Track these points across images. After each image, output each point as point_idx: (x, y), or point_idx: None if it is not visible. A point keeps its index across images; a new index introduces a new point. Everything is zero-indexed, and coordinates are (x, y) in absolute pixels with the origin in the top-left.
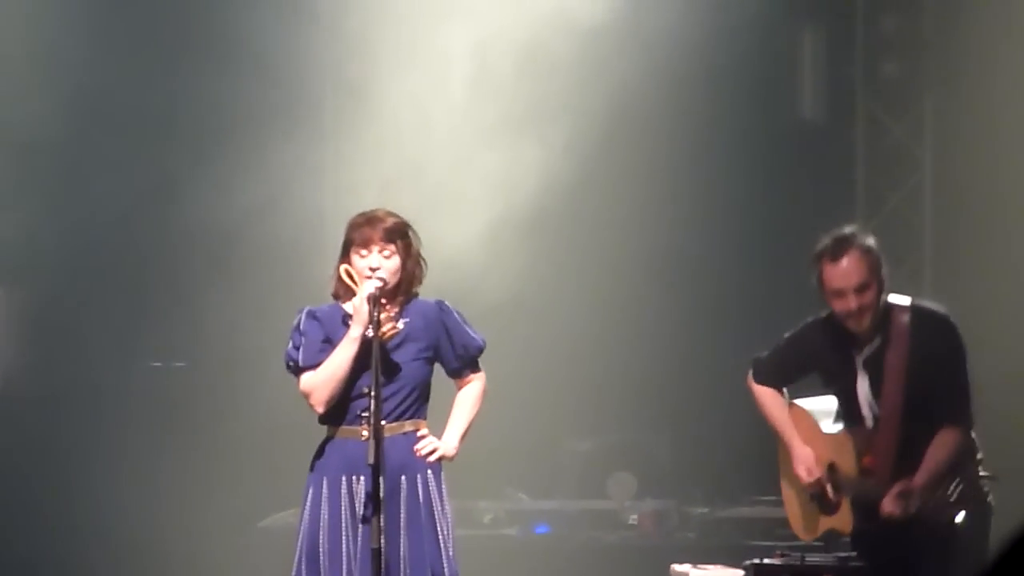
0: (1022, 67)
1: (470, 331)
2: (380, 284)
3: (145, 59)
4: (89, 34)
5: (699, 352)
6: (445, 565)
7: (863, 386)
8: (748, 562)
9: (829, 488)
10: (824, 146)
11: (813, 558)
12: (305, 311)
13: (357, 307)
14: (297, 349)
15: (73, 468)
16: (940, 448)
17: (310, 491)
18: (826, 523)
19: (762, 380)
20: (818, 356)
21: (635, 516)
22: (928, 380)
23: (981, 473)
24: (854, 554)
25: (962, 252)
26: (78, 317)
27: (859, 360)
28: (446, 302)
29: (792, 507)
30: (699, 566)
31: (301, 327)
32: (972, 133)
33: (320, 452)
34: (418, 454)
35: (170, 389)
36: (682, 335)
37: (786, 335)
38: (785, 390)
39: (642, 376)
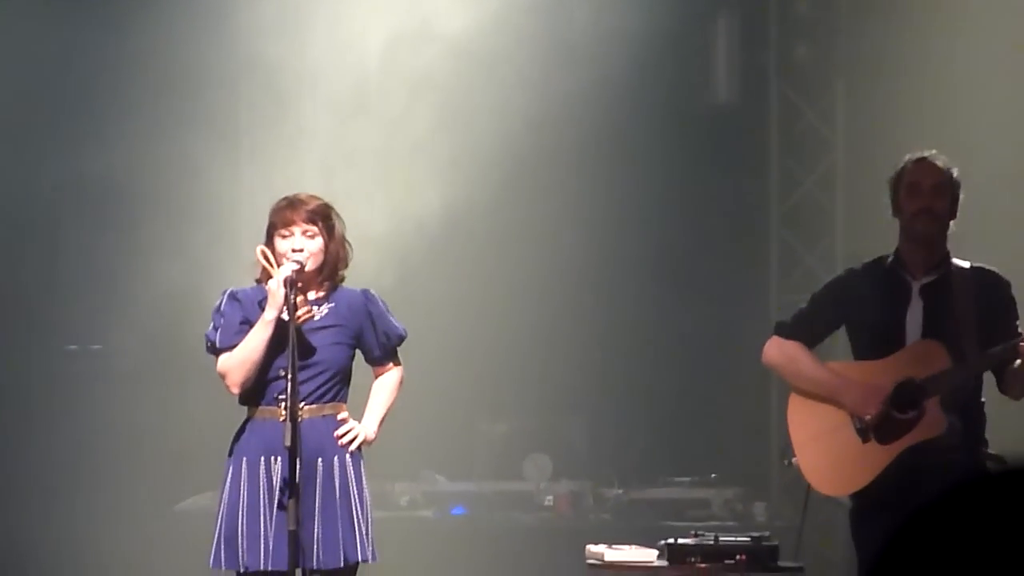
0: (932, 52)
1: (393, 320)
2: (296, 267)
3: (53, 29)
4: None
5: (613, 334)
6: (359, 548)
7: (915, 310)
8: (662, 542)
9: (894, 409)
10: (738, 129)
11: (727, 538)
12: (227, 292)
13: (272, 290)
14: (216, 330)
15: None
16: None
17: (229, 472)
18: (891, 449)
19: (790, 335)
20: (861, 291)
21: (551, 497)
22: (992, 320)
23: (988, 451)
24: (767, 533)
25: (873, 235)
26: None
27: (916, 285)
28: (372, 291)
29: (820, 460)
30: (614, 546)
31: (222, 308)
32: (884, 117)
33: (239, 434)
34: (339, 441)
35: (86, 372)
36: (596, 318)
37: (821, 287)
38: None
39: (556, 358)
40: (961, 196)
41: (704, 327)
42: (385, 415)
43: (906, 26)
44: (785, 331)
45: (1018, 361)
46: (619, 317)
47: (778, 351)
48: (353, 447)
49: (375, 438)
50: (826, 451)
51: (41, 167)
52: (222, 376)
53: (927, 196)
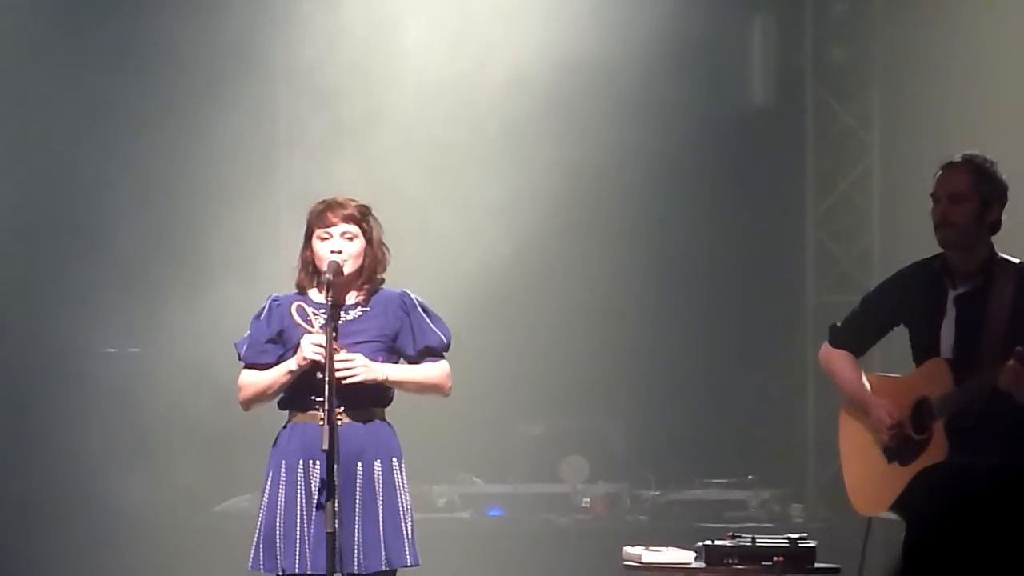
0: (968, 53)
1: (432, 325)
2: (335, 270)
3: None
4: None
5: (651, 336)
6: (407, 551)
7: (949, 321)
8: (700, 544)
9: (911, 429)
10: (775, 132)
11: (764, 539)
12: (268, 301)
13: (301, 348)
14: (245, 341)
15: (29, 453)
16: None
17: (269, 475)
18: (908, 470)
19: (840, 342)
20: (906, 295)
21: (587, 499)
22: None
23: None
24: (804, 535)
25: (910, 236)
26: (32, 303)
27: (952, 295)
28: (410, 294)
29: (855, 478)
30: (651, 548)
31: (260, 317)
32: (919, 118)
33: (279, 437)
34: (337, 374)
35: (125, 374)
36: (633, 321)
37: (873, 288)
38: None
39: (594, 361)
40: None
41: (742, 329)
42: (407, 379)
43: (942, 26)
44: (833, 337)
45: None
46: (657, 320)
47: (824, 359)
48: (348, 381)
49: (376, 377)
50: (861, 469)
51: (78, 169)
52: (238, 389)
53: (943, 207)
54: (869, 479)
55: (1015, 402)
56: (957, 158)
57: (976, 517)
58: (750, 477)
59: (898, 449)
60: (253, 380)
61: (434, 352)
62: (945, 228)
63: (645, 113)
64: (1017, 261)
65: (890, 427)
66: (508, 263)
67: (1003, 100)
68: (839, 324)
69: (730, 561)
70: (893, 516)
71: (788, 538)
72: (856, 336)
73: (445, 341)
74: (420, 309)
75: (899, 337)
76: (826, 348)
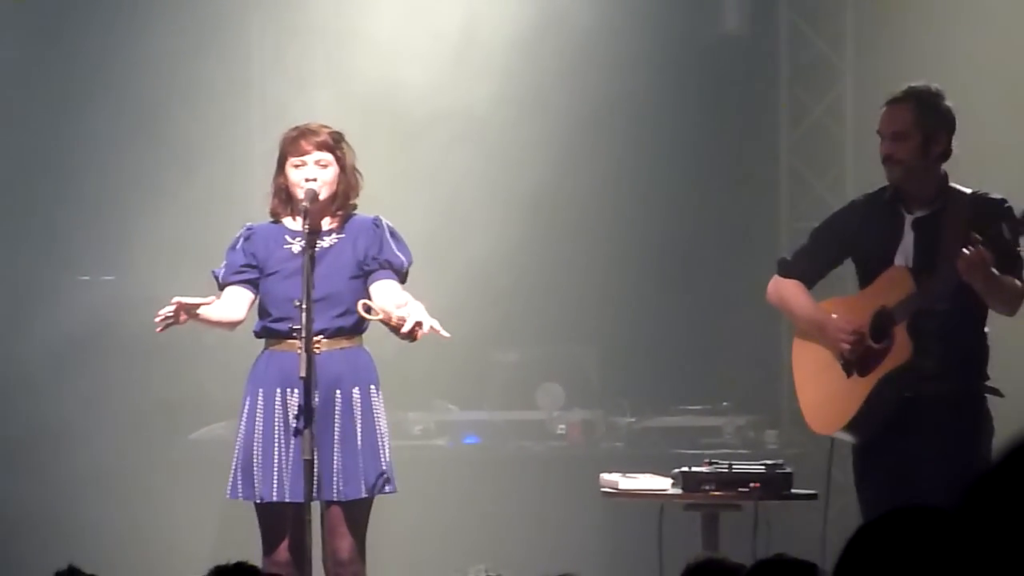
0: None
1: (395, 247)
2: (311, 197)
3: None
4: None
5: (625, 263)
6: (385, 479)
7: (906, 243)
8: (676, 470)
9: (870, 339)
10: (747, 59)
11: (740, 466)
12: (244, 231)
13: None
14: (222, 267)
15: (7, 391)
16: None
17: (246, 403)
18: (868, 381)
19: (790, 274)
20: (859, 224)
21: (563, 426)
22: (992, 248)
23: (988, 384)
24: (781, 461)
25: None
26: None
27: (909, 219)
28: (382, 218)
29: (812, 399)
30: (628, 475)
31: (236, 247)
32: (893, 44)
33: (256, 365)
34: (418, 333)
35: (99, 303)
36: (608, 247)
37: (822, 221)
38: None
39: (568, 287)
40: (955, 126)
41: (715, 256)
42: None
43: None
44: (784, 269)
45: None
46: (631, 246)
47: (774, 290)
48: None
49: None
50: (819, 390)
51: (49, 96)
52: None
53: (887, 144)
54: (828, 398)
55: (973, 303)
56: (899, 93)
57: (928, 435)
58: (724, 404)
59: (857, 361)
60: (218, 312)
61: (391, 268)
62: (891, 165)
63: (616, 45)
64: (968, 191)
65: (850, 335)
66: (484, 189)
67: (978, 22)
68: (788, 257)
69: (707, 487)
70: (849, 437)
71: (765, 464)
72: (807, 267)
73: (405, 265)
74: (388, 231)
75: (850, 279)
76: (775, 280)
